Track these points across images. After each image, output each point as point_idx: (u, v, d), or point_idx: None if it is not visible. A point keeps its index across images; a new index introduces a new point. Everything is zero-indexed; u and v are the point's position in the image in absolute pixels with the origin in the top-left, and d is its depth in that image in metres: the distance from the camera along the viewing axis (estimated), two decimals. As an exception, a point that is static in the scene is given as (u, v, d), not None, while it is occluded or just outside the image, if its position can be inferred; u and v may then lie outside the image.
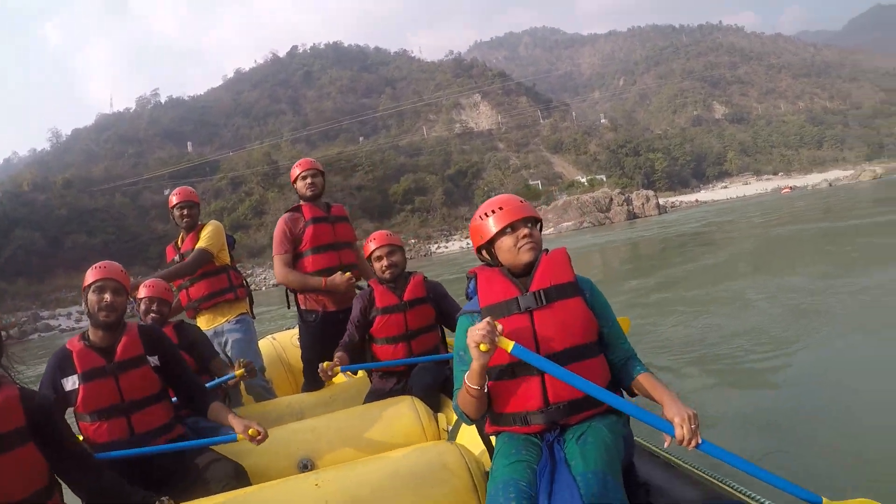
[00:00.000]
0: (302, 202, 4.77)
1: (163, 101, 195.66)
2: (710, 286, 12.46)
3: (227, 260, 5.03)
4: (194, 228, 4.99)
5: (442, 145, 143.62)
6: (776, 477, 2.02)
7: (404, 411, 3.49)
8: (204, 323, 4.94)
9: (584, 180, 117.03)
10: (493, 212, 2.47)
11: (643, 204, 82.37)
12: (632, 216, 78.27)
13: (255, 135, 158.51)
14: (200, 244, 4.84)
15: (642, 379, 2.38)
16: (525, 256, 2.42)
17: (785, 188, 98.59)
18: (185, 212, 4.95)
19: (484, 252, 2.55)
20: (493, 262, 2.52)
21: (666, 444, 2.18)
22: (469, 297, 2.56)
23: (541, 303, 2.36)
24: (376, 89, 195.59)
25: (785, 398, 5.64)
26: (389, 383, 4.06)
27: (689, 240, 28.10)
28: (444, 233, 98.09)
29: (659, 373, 6.60)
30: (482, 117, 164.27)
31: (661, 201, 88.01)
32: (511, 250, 2.43)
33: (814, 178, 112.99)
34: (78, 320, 56.81)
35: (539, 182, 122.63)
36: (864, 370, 6.01)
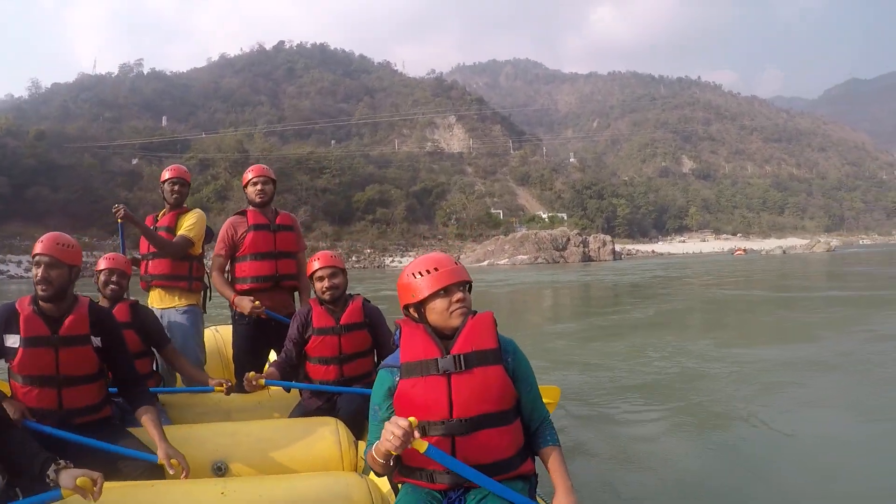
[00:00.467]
0: (250, 207, 4.86)
1: (145, 72, 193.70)
2: (620, 340, 12.79)
3: (198, 251, 5.08)
4: (179, 207, 5.09)
5: (411, 161, 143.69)
6: None
7: (326, 434, 3.44)
8: (153, 300, 4.99)
9: (545, 216, 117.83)
10: (428, 272, 2.40)
11: (599, 248, 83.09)
12: (586, 258, 78.82)
13: (230, 120, 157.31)
14: (188, 233, 4.92)
15: (549, 453, 2.41)
16: (455, 321, 2.39)
17: (738, 250, 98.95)
18: (177, 188, 5.05)
19: (412, 310, 2.48)
20: (420, 320, 2.47)
21: None
22: (396, 346, 2.50)
23: (460, 367, 2.34)
24: (355, 96, 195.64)
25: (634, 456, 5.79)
26: (319, 401, 4.04)
27: (632, 290, 28.64)
28: (401, 247, 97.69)
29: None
30: (454, 139, 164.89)
31: (617, 248, 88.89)
32: (443, 314, 2.39)
33: (770, 244, 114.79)
34: (27, 269, 55.56)
35: (501, 212, 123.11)
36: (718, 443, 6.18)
